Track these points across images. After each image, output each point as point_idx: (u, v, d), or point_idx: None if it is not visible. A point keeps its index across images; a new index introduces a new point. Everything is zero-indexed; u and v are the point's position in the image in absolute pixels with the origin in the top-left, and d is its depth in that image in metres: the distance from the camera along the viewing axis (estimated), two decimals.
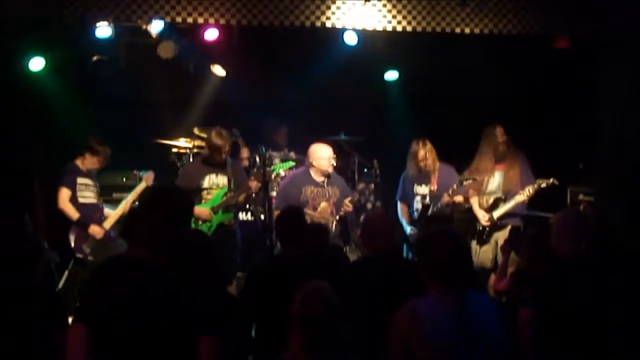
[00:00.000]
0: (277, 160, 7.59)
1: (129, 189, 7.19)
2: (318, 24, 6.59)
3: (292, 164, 6.80)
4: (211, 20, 6.48)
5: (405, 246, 6.56)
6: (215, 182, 6.49)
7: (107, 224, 6.63)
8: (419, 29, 6.69)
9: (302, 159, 7.48)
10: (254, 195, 6.86)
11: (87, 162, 6.60)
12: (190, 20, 6.46)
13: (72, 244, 6.48)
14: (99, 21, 6.30)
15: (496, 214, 6.33)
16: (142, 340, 2.74)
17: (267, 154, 7.19)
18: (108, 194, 7.22)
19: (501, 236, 6.00)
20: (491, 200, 6.40)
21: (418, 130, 7.18)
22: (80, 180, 6.56)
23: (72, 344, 2.79)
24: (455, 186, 6.29)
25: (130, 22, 6.41)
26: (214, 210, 6.40)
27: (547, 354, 3.37)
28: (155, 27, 6.40)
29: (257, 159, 7.46)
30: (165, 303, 2.77)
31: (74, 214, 6.45)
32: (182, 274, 2.88)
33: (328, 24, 6.61)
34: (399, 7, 6.66)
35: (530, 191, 6.18)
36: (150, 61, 7.10)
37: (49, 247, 6.31)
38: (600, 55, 7.33)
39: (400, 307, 3.00)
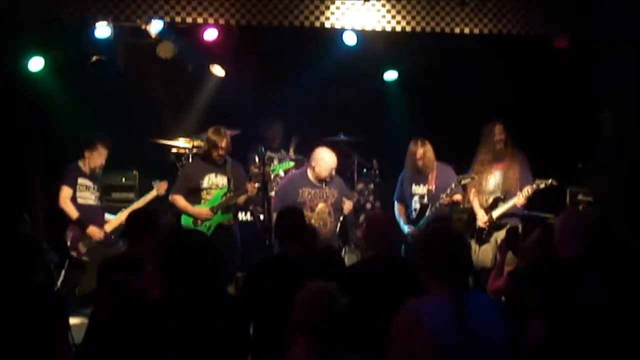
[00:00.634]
0: (275, 161, 7.60)
1: (129, 189, 7.21)
2: (317, 24, 6.60)
3: (291, 164, 6.80)
4: (210, 20, 6.49)
5: (403, 246, 6.55)
6: (214, 182, 6.48)
7: (108, 227, 6.62)
8: (418, 29, 6.69)
9: (302, 159, 7.49)
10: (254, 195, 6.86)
11: (88, 161, 6.58)
12: (189, 20, 6.47)
13: (68, 243, 6.46)
14: (98, 21, 6.31)
15: (495, 213, 6.32)
16: None
17: (267, 154, 7.20)
18: (108, 194, 7.22)
19: (501, 235, 6.00)
20: (490, 200, 6.39)
21: (418, 130, 7.18)
22: (80, 180, 6.55)
23: None
24: (453, 185, 6.29)
25: (129, 22, 6.42)
26: (214, 210, 6.40)
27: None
28: (155, 27, 6.40)
29: (257, 159, 7.46)
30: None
31: (73, 213, 6.44)
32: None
33: (327, 24, 6.61)
34: (399, 7, 6.66)
35: (529, 191, 6.18)
36: (149, 61, 7.11)
37: (48, 247, 6.31)
38: (600, 55, 7.33)
39: (400, 307, 2.99)
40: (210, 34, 6.67)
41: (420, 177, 6.55)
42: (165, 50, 6.76)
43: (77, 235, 6.49)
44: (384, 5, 6.66)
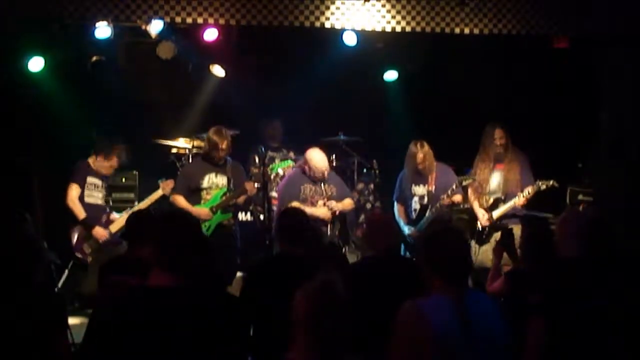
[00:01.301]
0: (277, 161, 7.60)
1: (129, 189, 7.20)
2: (317, 24, 6.60)
3: (290, 163, 6.80)
4: (210, 21, 6.49)
5: (402, 246, 6.56)
6: (214, 182, 6.48)
7: (114, 228, 6.61)
8: (418, 29, 6.70)
9: (301, 159, 7.49)
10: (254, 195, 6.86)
11: (99, 164, 6.57)
12: (189, 20, 6.47)
13: (73, 243, 6.46)
14: (98, 21, 6.30)
15: (496, 213, 6.33)
16: None
17: (267, 154, 7.20)
18: (108, 194, 7.21)
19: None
20: (491, 200, 6.40)
21: (418, 130, 7.19)
22: (90, 179, 6.53)
23: None
24: (454, 186, 6.29)
25: (129, 22, 6.42)
26: (213, 210, 6.40)
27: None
28: (155, 27, 6.40)
29: (257, 159, 7.46)
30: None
31: (80, 213, 6.42)
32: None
33: (327, 24, 6.61)
34: (399, 7, 6.66)
35: (530, 192, 6.18)
36: (149, 61, 7.11)
37: (48, 248, 6.31)
38: (600, 55, 7.33)
39: (400, 306, 2.99)
40: (211, 34, 6.67)
41: (420, 177, 6.55)
42: (166, 51, 6.76)
43: (82, 236, 6.48)
44: (384, 6, 6.67)
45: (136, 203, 7.01)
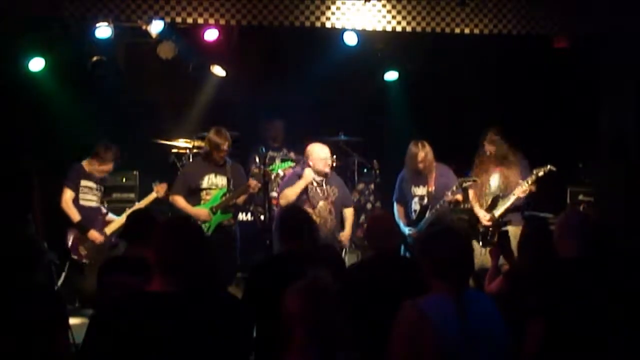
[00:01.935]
0: (278, 161, 7.61)
1: (129, 189, 7.20)
2: (318, 24, 6.60)
3: (291, 163, 6.80)
4: (211, 21, 6.49)
5: (402, 247, 6.55)
6: (214, 182, 6.48)
7: (109, 230, 6.62)
8: (418, 29, 6.70)
9: (302, 159, 7.49)
10: (254, 195, 6.86)
11: (93, 167, 6.57)
12: (190, 20, 6.47)
13: (69, 245, 6.47)
14: (99, 21, 6.31)
15: (497, 212, 6.33)
16: None
17: (267, 154, 7.20)
18: (108, 194, 7.21)
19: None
20: (489, 200, 6.40)
21: (418, 130, 7.18)
22: (83, 182, 6.54)
23: None
24: (455, 187, 6.28)
25: (130, 22, 6.42)
26: (213, 210, 6.40)
27: None
28: (155, 27, 6.40)
29: (257, 159, 7.46)
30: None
31: (75, 216, 6.44)
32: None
33: (328, 25, 6.62)
34: (399, 7, 6.67)
35: (529, 182, 6.17)
36: (150, 61, 7.11)
37: (48, 248, 6.31)
38: (600, 55, 7.33)
39: (401, 306, 3.00)
40: (211, 34, 6.68)
41: (420, 178, 6.54)
42: (166, 51, 6.77)
43: (78, 238, 6.49)
44: (384, 6, 6.67)
45: (136, 203, 7.01)
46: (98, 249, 6.48)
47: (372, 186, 8.06)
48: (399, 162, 6.83)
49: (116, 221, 6.65)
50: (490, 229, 6.34)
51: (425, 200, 6.49)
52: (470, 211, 6.57)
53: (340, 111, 8.21)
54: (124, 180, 7.61)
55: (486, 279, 4.57)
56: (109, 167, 6.60)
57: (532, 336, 3.38)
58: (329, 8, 6.60)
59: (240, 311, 3.19)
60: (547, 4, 6.78)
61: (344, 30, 6.67)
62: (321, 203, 6.35)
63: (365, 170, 8.19)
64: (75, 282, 6.48)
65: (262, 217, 7.20)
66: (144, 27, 6.43)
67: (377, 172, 8.04)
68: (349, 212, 6.62)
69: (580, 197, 7.42)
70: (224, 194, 6.42)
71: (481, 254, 6.24)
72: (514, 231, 5.76)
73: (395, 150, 7.19)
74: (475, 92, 7.71)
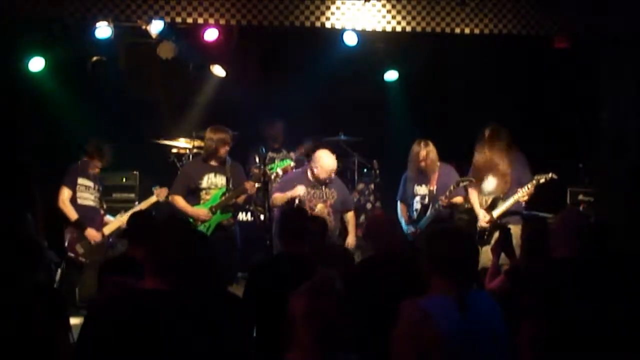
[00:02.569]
0: (277, 161, 7.61)
1: (129, 189, 7.21)
2: (318, 24, 6.59)
3: (289, 162, 6.81)
4: (211, 21, 6.48)
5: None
6: (213, 182, 6.48)
7: (107, 230, 6.62)
8: (418, 29, 6.69)
9: (302, 159, 7.49)
10: (254, 195, 6.86)
11: (87, 165, 6.58)
12: (190, 20, 6.46)
13: (66, 243, 6.47)
14: (99, 21, 6.30)
15: (496, 212, 6.33)
16: None
17: (267, 154, 7.20)
18: (108, 194, 7.22)
19: None
20: (490, 200, 6.40)
21: (418, 130, 7.19)
22: (80, 181, 6.55)
23: None
24: (452, 187, 6.28)
25: (130, 22, 6.42)
26: (212, 210, 6.40)
27: None
28: (155, 27, 6.40)
29: (257, 159, 7.46)
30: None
31: (72, 214, 6.44)
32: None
33: (328, 25, 6.61)
34: (399, 7, 6.66)
35: (529, 187, 6.17)
36: (150, 61, 7.11)
37: (48, 247, 6.32)
38: (600, 55, 7.33)
39: (402, 306, 2.99)
40: (211, 34, 6.67)
41: (423, 177, 6.55)
42: (166, 51, 6.77)
43: (75, 237, 6.49)
44: (384, 6, 6.66)
45: (136, 203, 7.01)
46: (95, 248, 6.48)
47: (372, 186, 8.06)
48: (399, 162, 6.83)
49: (114, 222, 6.66)
50: (489, 228, 6.34)
51: (427, 200, 6.50)
52: (470, 211, 6.58)
53: (340, 111, 8.21)
54: (124, 180, 7.62)
55: (487, 277, 4.57)
56: (101, 163, 6.60)
57: (527, 336, 3.39)
58: (329, 8, 6.59)
59: (239, 310, 3.20)
60: (547, 4, 6.78)
61: (344, 30, 6.66)
62: (319, 206, 6.36)
63: (365, 170, 8.19)
64: (74, 281, 6.48)
65: (262, 217, 7.20)
66: (144, 27, 6.43)
67: (377, 172, 8.05)
68: (350, 216, 6.62)
69: (580, 197, 7.42)
70: (223, 194, 6.42)
71: (479, 253, 6.25)
72: (514, 230, 5.76)
73: (395, 150, 7.19)
74: (475, 92, 7.71)
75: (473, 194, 6.49)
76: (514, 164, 6.33)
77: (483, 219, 6.37)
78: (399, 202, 6.81)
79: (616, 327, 3.45)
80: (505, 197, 6.30)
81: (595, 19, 6.79)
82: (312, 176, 6.39)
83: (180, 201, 6.46)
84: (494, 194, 6.38)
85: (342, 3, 6.60)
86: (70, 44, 6.69)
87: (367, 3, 6.57)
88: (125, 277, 3.84)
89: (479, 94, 7.69)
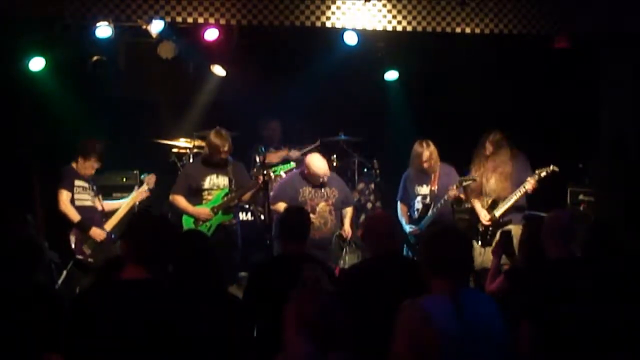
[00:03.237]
0: (276, 161, 7.60)
1: (129, 189, 7.20)
2: (318, 24, 6.59)
3: (292, 165, 6.81)
4: (211, 20, 6.48)
5: (404, 246, 6.56)
6: (216, 183, 6.48)
7: (108, 226, 6.62)
8: (419, 29, 6.69)
9: (302, 159, 7.49)
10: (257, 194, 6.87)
11: (81, 166, 6.57)
12: (190, 20, 6.46)
13: (73, 246, 6.46)
14: (99, 21, 6.30)
15: (498, 212, 6.33)
16: None
17: (266, 154, 7.20)
18: (108, 194, 7.21)
19: None
20: (490, 201, 6.40)
21: (418, 130, 7.19)
22: (77, 182, 6.53)
23: None
24: (455, 186, 6.29)
25: (130, 22, 6.41)
26: (214, 211, 6.40)
27: None
28: (156, 27, 6.39)
29: (257, 159, 7.47)
30: None
31: (75, 216, 6.43)
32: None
33: (328, 24, 6.61)
34: (399, 7, 6.66)
35: (531, 182, 6.18)
36: (150, 61, 7.11)
37: (49, 247, 6.31)
38: (600, 55, 7.33)
39: (402, 306, 3.00)
40: (211, 34, 6.67)
41: (424, 177, 6.56)
42: (166, 50, 6.76)
43: (80, 238, 6.49)
44: (384, 5, 6.66)
45: (136, 203, 6.99)
46: (101, 247, 6.49)
47: (373, 186, 8.06)
48: (399, 162, 6.83)
49: (113, 217, 6.66)
50: (490, 229, 6.34)
51: (428, 199, 6.50)
52: (471, 211, 6.58)
53: (341, 111, 8.21)
54: (124, 180, 7.61)
55: (487, 278, 4.58)
56: (95, 162, 6.57)
57: (523, 337, 3.39)
58: (329, 8, 6.59)
59: (240, 311, 3.20)
60: (547, 4, 6.78)
61: (344, 30, 6.66)
62: (321, 204, 6.36)
63: (365, 170, 8.19)
64: (77, 281, 6.48)
65: (262, 217, 7.20)
66: (144, 27, 6.42)
67: (377, 172, 8.05)
68: (348, 209, 6.63)
69: (581, 197, 7.42)
70: (226, 195, 6.42)
71: (481, 253, 6.25)
72: (515, 230, 5.77)
73: (396, 150, 7.19)
74: (475, 92, 7.71)
75: (473, 195, 6.50)
76: (516, 166, 6.35)
77: (484, 218, 6.37)
78: (399, 202, 6.81)
79: (615, 327, 3.45)
80: (506, 197, 6.31)
81: (595, 19, 6.79)
82: (310, 176, 6.41)
83: (181, 201, 6.46)
84: (495, 194, 6.38)
85: (343, 3, 6.60)
86: (70, 44, 6.68)
87: (367, 3, 6.57)
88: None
89: (479, 93, 7.69)
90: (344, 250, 7.21)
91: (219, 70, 7.62)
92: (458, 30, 6.73)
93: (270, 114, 8.12)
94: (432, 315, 2.90)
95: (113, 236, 6.65)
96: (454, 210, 6.91)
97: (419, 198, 6.58)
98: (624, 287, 3.59)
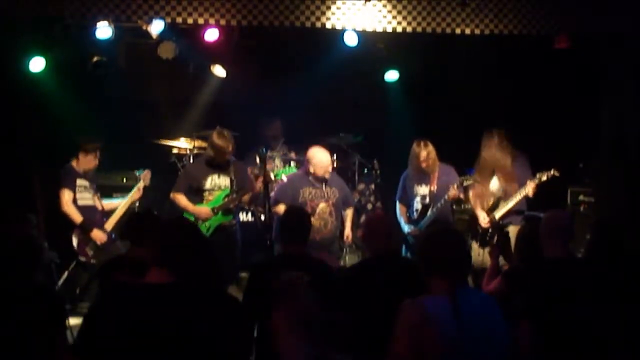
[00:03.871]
0: (277, 160, 7.60)
1: (129, 189, 7.19)
2: (318, 24, 6.59)
3: (294, 169, 6.83)
4: (211, 21, 6.48)
5: (403, 246, 6.56)
6: (217, 184, 6.48)
7: (109, 226, 6.63)
8: (419, 29, 6.69)
9: (303, 160, 7.50)
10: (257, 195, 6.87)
11: (82, 163, 6.57)
12: (190, 20, 6.46)
13: (75, 247, 6.47)
14: (99, 21, 6.30)
15: (498, 214, 6.33)
16: None
17: (267, 154, 7.21)
18: (108, 194, 7.21)
19: None
20: (491, 201, 6.40)
21: (418, 130, 7.19)
22: (78, 182, 6.54)
23: None
24: (455, 186, 6.29)
25: (130, 22, 6.41)
26: (215, 211, 6.40)
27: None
28: (156, 27, 6.40)
29: (258, 160, 7.47)
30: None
31: (77, 217, 6.43)
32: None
33: (328, 25, 6.61)
34: (399, 7, 6.66)
35: (532, 186, 6.18)
36: (150, 61, 7.11)
37: (49, 247, 6.31)
38: (600, 55, 7.33)
39: (401, 305, 3.00)
40: (211, 35, 6.67)
41: (423, 177, 6.56)
42: (166, 51, 6.76)
43: (83, 239, 6.49)
44: (384, 6, 6.66)
45: (137, 203, 7.00)
46: (103, 248, 6.49)
47: (373, 186, 8.07)
48: (399, 162, 6.83)
49: (114, 216, 6.66)
50: (490, 230, 6.34)
51: (427, 199, 6.50)
52: (471, 211, 6.58)
53: (340, 111, 8.21)
54: (124, 180, 7.61)
55: (485, 278, 4.58)
56: (93, 160, 6.57)
57: (522, 337, 3.39)
58: (329, 8, 6.59)
59: (240, 311, 3.20)
60: (547, 4, 6.78)
61: (344, 30, 6.66)
62: (322, 205, 6.36)
63: (365, 171, 8.19)
64: (77, 282, 6.49)
65: (262, 217, 7.20)
66: (144, 27, 6.43)
67: (378, 172, 8.05)
68: (349, 211, 6.64)
69: (581, 197, 7.42)
70: (227, 195, 6.42)
71: (480, 254, 6.25)
72: (514, 231, 5.76)
73: (396, 150, 7.19)
74: (475, 92, 7.71)
75: (474, 195, 6.50)
76: (518, 166, 6.35)
77: (483, 220, 6.37)
78: (397, 203, 6.81)
79: (614, 328, 3.46)
80: (508, 198, 6.31)
81: (595, 19, 6.79)
82: (311, 175, 6.40)
83: (182, 199, 6.47)
84: (497, 195, 6.38)
85: (343, 3, 6.60)
86: (70, 44, 6.68)
87: (367, 3, 6.57)
88: (126, 277, 3.85)
89: (479, 94, 7.69)
90: (344, 250, 7.23)
91: (219, 71, 7.63)
92: (458, 30, 6.73)
93: (272, 114, 8.12)
94: (432, 315, 2.90)
95: (113, 236, 6.66)
96: (454, 210, 6.92)
97: (418, 198, 6.58)
98: (624, 287, 3.60)
